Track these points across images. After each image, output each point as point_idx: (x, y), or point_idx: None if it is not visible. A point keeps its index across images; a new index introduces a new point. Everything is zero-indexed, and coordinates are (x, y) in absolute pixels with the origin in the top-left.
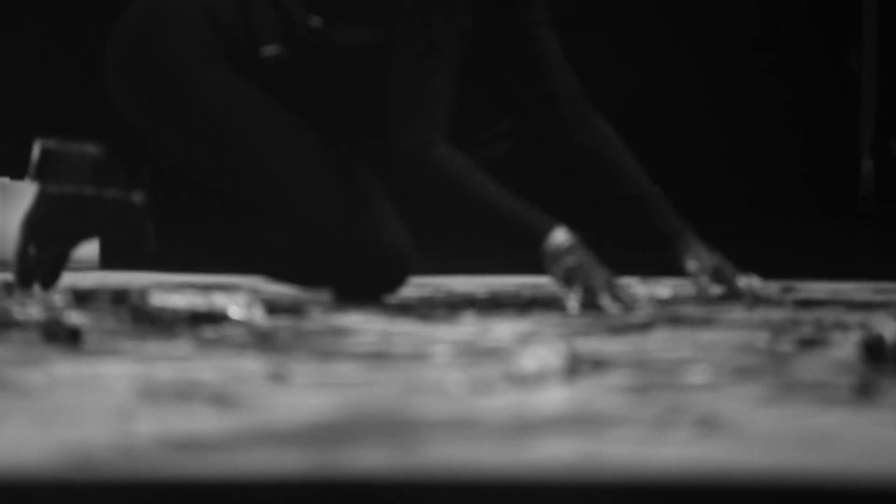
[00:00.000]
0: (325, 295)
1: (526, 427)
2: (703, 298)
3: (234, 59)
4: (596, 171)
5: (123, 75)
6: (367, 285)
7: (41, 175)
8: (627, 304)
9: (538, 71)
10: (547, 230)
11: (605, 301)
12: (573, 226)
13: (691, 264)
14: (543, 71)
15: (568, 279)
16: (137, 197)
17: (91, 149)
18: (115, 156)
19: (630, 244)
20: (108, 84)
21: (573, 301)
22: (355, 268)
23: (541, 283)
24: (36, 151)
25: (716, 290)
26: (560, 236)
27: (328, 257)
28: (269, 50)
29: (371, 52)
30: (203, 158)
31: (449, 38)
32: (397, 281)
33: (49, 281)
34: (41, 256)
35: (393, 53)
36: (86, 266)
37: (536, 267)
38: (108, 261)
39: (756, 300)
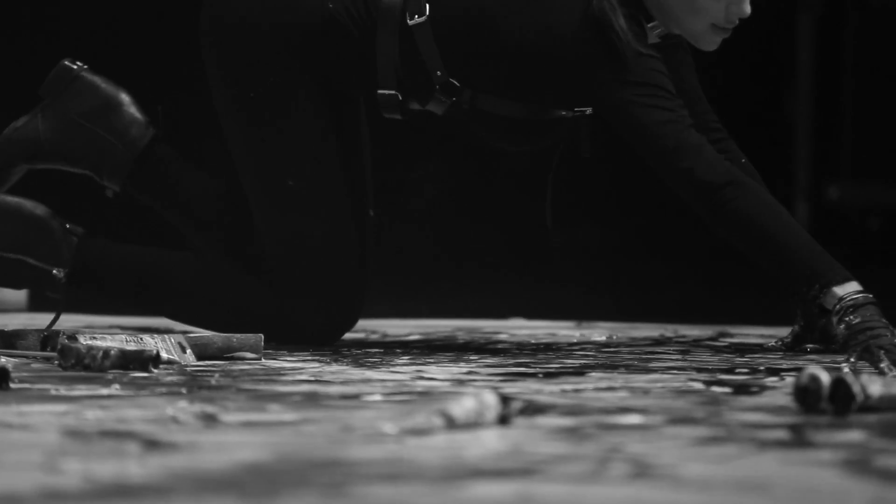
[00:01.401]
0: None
1: (461, 469)
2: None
3: (327, 66)
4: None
5: (214, 42)
6: (313, 332)
7: None
8: None
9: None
10: (844, 279)
11: (883, 365)
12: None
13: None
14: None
15: (850, 337)
16: (58, 271)
17: (24, 210)
18: (47, 220)
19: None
20: (201, 43)
21: (851, 361)
22: (303, 314)
23: (476, 326)
24: None
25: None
26: (853, 287)
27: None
28: (387, 92)
29: (512, 124)
30: (246, 162)
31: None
32: (347, 328)
33: None
34: None
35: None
36: (13, 307)
37: (472, 311)
38: (37, 302)
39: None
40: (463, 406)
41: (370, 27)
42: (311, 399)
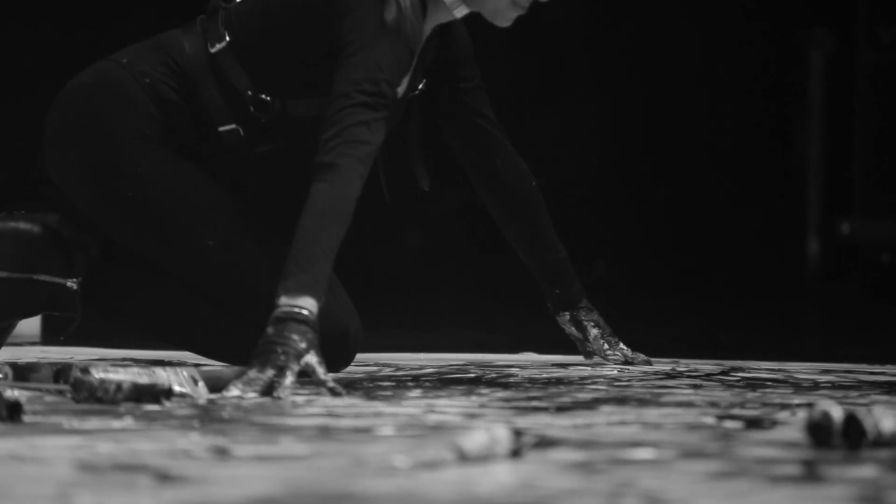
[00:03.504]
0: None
1: (472, 503)
2: (594, 363)
3: (176, 138)
4: (517, 223)
5: (62, 150)
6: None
7: None
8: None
9: (475, 131)
10: (292, 292)
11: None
12: None
13: (593, 331)
14: (480, 132)
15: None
16: (71, 282)
17: (26, 228)
18: (50, 235)
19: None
20: (46, 157)
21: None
22: None
23: (488, 359)
24: None
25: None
26: (307, 303)
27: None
28: (227, 128)
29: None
30: (143, 236)
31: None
32: (344, 359)
33: None
34: None
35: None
36: (27, 340)
37: (484, 345)
38: (50, 335)
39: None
40: (474, 440)
41: (189, 78)
42: (323, 432)
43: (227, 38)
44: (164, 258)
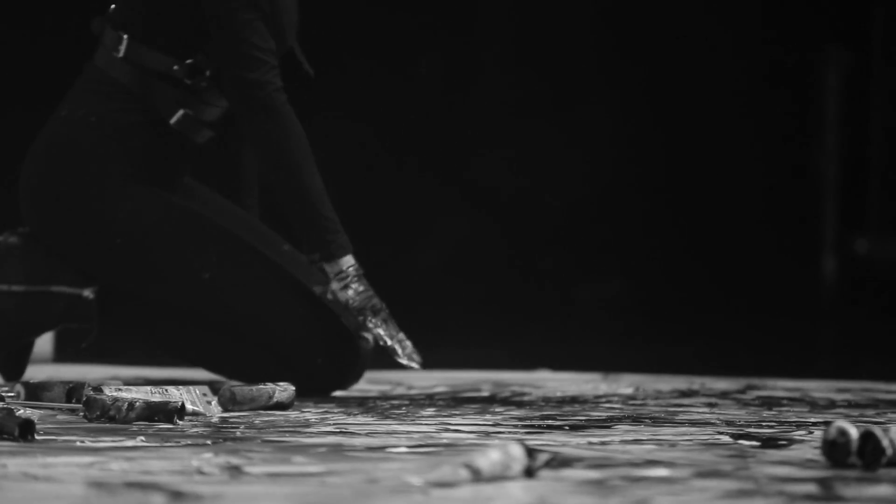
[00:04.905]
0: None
1: None
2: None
3: (145, 159)
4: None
5: (39, 210)
6: (321, 381)
7: None
8: (400, 341)
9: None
10: (344, 251)
11: (380, 330)
12: None
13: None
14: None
15: (355, 304)
16: (88, 292)
17: (36, 241)
18: None
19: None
20: (24, 216)
21: (376, 331)
22: (309, 363)
23: (502, 378)
24: None
25: None
26: (350, 261)
27: (279, 355)
28: (177, 116)
29: None
30: (136, 277)
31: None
32: (354, 375)
33: (15, 373)
34: (2, 352)
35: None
36: (39, 359)
37: (498, 363)
38: (63, 354)
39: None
40: (489, 458)
41: (124, 92)
42: (336, 451)
43: (125, 36)
44: (164, 295)
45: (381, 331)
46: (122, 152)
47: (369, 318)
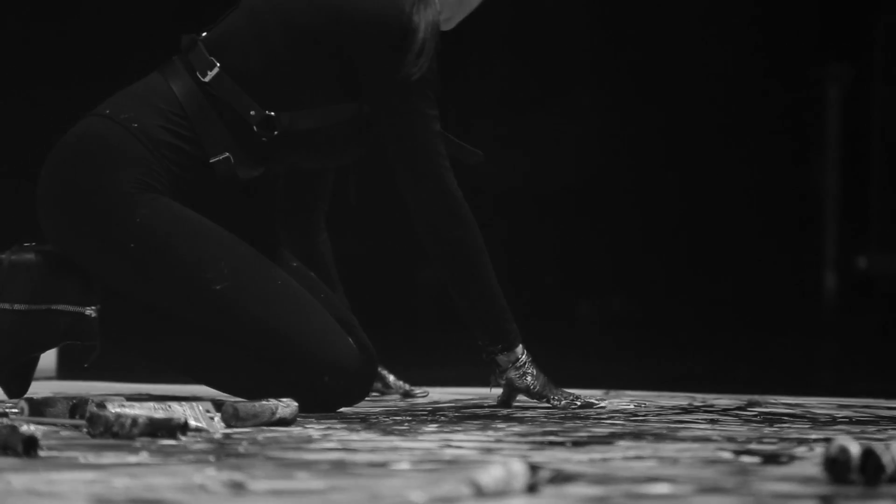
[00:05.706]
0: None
1: None
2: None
3: (171, 178)
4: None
5: (58, 210)
6: (326, 399)
7: None
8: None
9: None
10: (519, 339)
11: (564, 402)
12: None
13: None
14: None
15: (536, 389)
16: (90, 310)
17: (39, 259)
18: (64, 265)
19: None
20: (41, 219)
21: (561, 405)
22: (314, 381)
23: None
24: None
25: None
26: (522, 349)
27: (287, 371)
28: (219, 157)
29: (330, 135)
30: (149, 286)
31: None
32: (359, 394)
33: (19, 390)
34: (5, 369)
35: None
36: (43, 375)
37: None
38: (66, 370)
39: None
40: (491, 474)
41: (180, 114)
42: (339, 467)
43: (218, 64)
44: (174, 304)
45: (564, 402)
46: (150, 162)
47: (551, 397)
